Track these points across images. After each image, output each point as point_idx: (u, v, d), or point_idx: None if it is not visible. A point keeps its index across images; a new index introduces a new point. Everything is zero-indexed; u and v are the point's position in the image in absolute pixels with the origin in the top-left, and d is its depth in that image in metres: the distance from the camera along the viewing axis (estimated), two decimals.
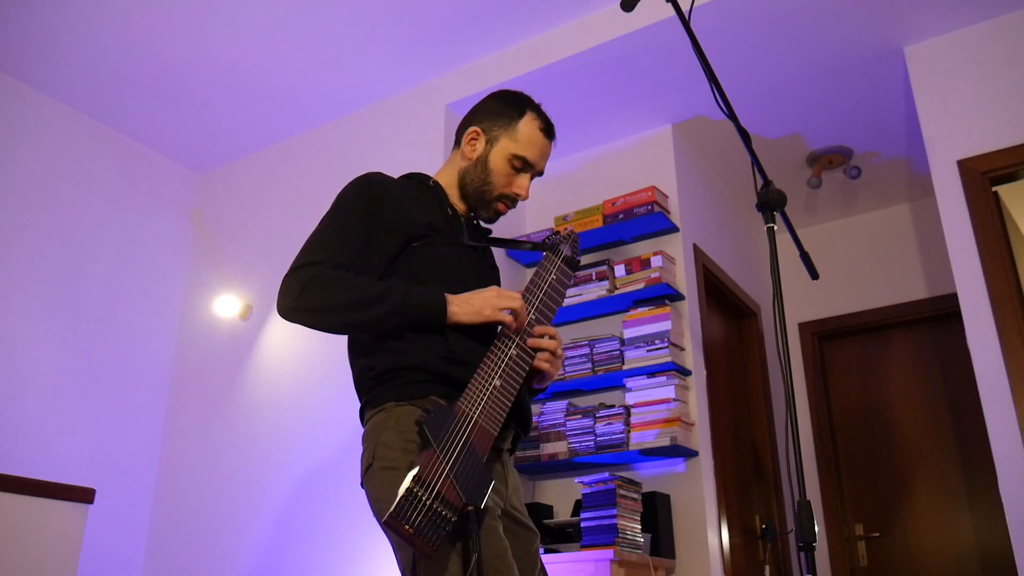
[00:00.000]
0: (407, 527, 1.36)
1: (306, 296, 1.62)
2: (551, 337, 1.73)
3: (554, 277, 1.80)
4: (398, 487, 1.47)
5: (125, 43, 3.59)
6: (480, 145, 1.89)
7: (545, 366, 1.73)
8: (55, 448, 3.59)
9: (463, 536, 1.45)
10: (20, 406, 3.52)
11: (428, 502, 1.39)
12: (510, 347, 1.65)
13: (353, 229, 1.72)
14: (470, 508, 1.44)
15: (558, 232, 1.91)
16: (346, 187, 1.81)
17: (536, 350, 1.71)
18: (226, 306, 4.02)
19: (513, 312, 1.67)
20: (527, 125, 1.89)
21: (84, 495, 2.50)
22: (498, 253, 3.74)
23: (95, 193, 4.01)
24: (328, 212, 1.79)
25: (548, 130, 1.92)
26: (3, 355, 3.51)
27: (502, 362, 1.63)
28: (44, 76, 3.77)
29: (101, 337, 3.89)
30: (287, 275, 1.67)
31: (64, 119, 3.95)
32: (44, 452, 3.53)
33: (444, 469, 1.44)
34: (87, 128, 4.05)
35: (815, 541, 1.66)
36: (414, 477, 1.40)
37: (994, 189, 3.15)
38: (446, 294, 1.66)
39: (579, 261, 1.90)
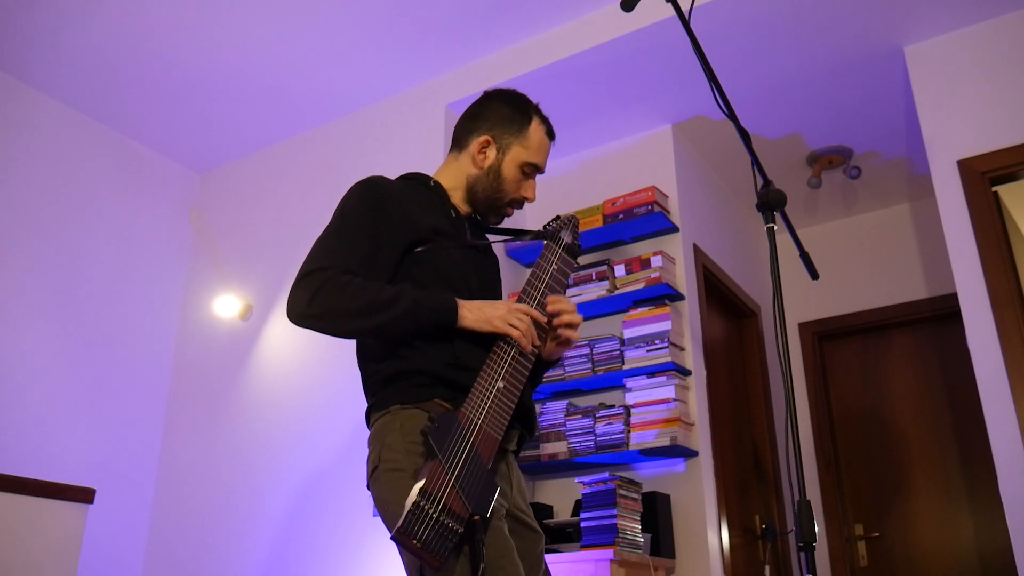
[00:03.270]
0: (415, 542, 1.37)
1: (317, 302, 1.60)
2: (564, 312, 1.76)
3: (555, 268, 1.79)
4: (403, 488, 1.47)
5: (125, 43, 3.59)
6: (492, 154, 1.89)
7: (566, 332, 1.75)
8: (55, 448, 3.59)
9: (469, 543, 1.46)
10: (20, 406, 3.52)
11: (435, 515, 1.40)
12: (512, 348, 1.66)
13: (359, 235, 1.71)
14: (476, 517, 1.45)
15: (559, 217, 1.89)
16: (349, 192, 1.80)
17: (550, 326, 1.74)
18: (226, 306, 4.03)
19: (520, 331, 1.66)
20: (536, 131, 1.91)
21: (84, 495, 2.50)
22: (498, 251, 3.74)
23: (95, 193, 4.01)
24: (333, 218, 1.77)
25: (551, 132, 1.96)
26: (3, 355, 3.51)
27: (505, 364, 1.63)
28: (44, 76, 3.77)
29: (101, 337, 3.89)
30: (297, 281, 1.65)
31: (64, 119, 3.95)
32: (44, 452, 3.53)
33: (450, 480, 1.45)
34: (87, 128, 4.05)
35: (815, 541, 1.66)
36: (420, 490, 1.40)
37: (994, 189, 3.14)
38: (457, 299, 1.66)
39: (580, 246, 1.89)
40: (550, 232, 1.86)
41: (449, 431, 1.50)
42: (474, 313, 1.65)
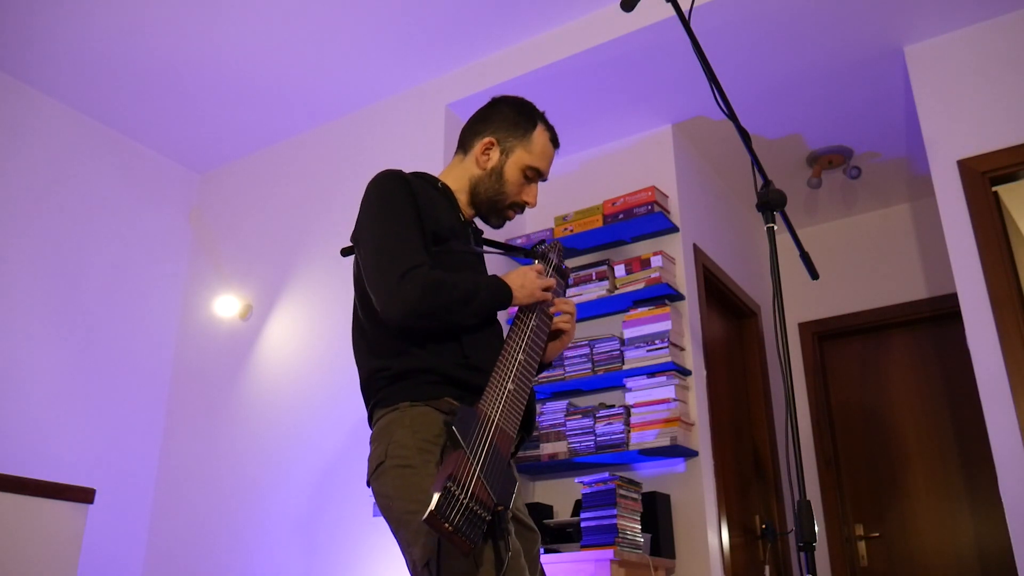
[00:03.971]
0: (447, 525, 1.37)
1: (427, 300, 1.62)
2: (566, 312, 1.88)
3: None
4: (411, 485, 1.48)
5: (125, 43, 3.59)
6: (495, 156, 1.92)
7: (566, 326, 1.86)
8: (55, 448, 3.59)
9: (495, 532, 1.47)
10: (20, 406, 3.52)
11: (464, 501, 1.40)
12: (518, 352, 1.68)
13: (413, 225, 1.73)
14: (500, 508, 1.46)
15: (543, 242, 2.00)
16: (381, 184, 1.79)
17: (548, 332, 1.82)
18: (226, 306, 4.03)
19: (548, 288, 1.81)
20: (540, 137, 1.94)
21: (84, 495, 2.50)
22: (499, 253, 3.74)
23: (95, 193, 4.01)
24: (379, 209, 1.76)
25: (555, 139, 1.99)
26: (3, 355, 3.51)
27: (513, 367, 1.66)
28: (44, 76, 3.77)
29: (101, 337, 3.89)
30: (397, 279, 1.63)
31: (64, 119, 3.95)
32: (44, 452, 3.53)
33: (475, 469, 1.45)
34: (87, 128, 4.05)
35: (815, 541, 1.66)
36: (449, 476, 1.41)
37: (994, 189, 3.14)
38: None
39: (567, 269, 1.99)
40: (539, 253, 1.95)
41: (471, 424, 1.51)
42: (520, 291, 1.76)
